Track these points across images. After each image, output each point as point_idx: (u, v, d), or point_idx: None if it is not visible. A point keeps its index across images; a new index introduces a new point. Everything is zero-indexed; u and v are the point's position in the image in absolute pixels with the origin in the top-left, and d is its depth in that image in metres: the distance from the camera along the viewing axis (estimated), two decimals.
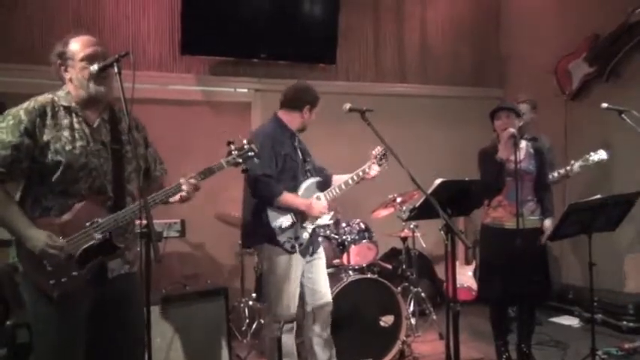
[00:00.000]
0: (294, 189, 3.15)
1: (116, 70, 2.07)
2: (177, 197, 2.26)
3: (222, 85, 5.30)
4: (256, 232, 3.15)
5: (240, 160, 2.35)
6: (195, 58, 5.13)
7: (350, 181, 3.28)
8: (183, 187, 2.22)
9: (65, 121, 2.12)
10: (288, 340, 3.13)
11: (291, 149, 3.21)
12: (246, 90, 5.38)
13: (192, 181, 2.24)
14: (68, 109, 2.14)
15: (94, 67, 2.11)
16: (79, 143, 2.11)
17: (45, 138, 2.06)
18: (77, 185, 2.10)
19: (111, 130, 2.23)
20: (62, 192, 2.09)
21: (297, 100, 3.24)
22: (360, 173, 3.30)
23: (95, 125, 2.19)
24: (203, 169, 2.28)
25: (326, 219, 3.29)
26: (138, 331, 2.20)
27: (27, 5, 4.57)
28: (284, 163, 3.13)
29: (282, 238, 3.07)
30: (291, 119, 3.25)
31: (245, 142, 2.38)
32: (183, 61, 5.12)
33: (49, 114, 2.10)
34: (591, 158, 4.18)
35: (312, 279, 3.24)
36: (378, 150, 3.35)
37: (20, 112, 2.06)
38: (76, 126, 2.13)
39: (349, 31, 5.67)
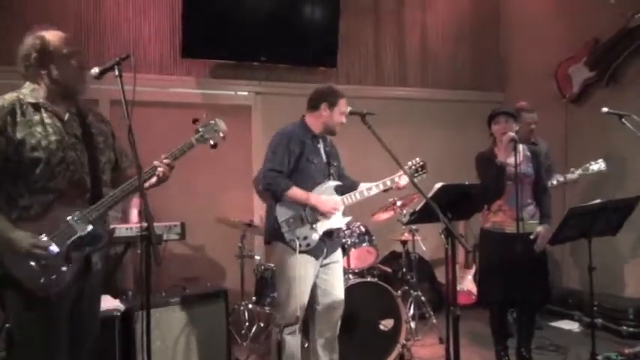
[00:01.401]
0: (309, 190, 3.13)
1: (117, 72, 2.09)
2: (153, 180, 2.28)
3: (223, 88, 5.31)
4: (270, 228, 3.18)
5: (208, 136, 2.39)
6: (195, 61, 5.14)
7: (374, 189, 3.23)
8: (159, 168, 2.24)
9: (36, 117, 2.10)
10: (292, 341, 3.12)
11: (310, 150, 3.18)
12: (246, 93, 5.39)
13: (166, 161, 2.26)
14: (36, 106, 2.12)
15: (95, 70, 2.11)
16: (53, 137, 2.10)
17: (18, 136, 2.03)
18: (56, 180, 2.09)
19: (80, 123, 2.24)
20: (41, 189, 2.06)
21: (315, 100, 3.24)
22: (388, 182, 3.23)
23: (66, 119, 2.18)
24: (174, 150, 2.31)
25: (340, 222, 3.25)
26: (94, 326, 2.32)
27: (27, 9, 4.58)
28: (297, 162, 3.12)
29: (288, 236, 3.07)
30: (313, 120, 3.24)
31: (209, 119, 2.43)
32: (183, 64, 5.13)
33: (19, 112, 2.07)
34: (591, 167, 4.23)
35: (327, 281, 3.24)
36: (415, 161, 3.30)
37: None
38: (48, 121, 2.12)
39: (350, 35, 5.67)
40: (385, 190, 3.28)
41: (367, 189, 3.24)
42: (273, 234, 3.14)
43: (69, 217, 2.09)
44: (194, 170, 4.85)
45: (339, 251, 3.37)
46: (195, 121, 2.42)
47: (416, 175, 3.28)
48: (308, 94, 3.30)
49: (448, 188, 2.70)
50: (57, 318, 2.10)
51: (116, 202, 2.19)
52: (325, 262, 3.24)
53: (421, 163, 3.32)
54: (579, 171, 4.25)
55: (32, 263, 2.00)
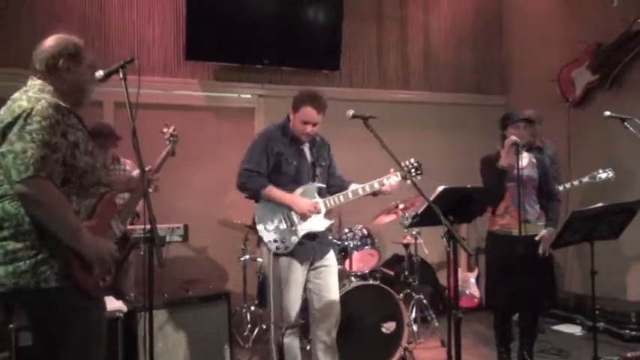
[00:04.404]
0: (289, 191, 3.08)
1: (121, 75, 2.10)
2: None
3: (226, 90, 5.33)
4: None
5: (175, 146, 2.83)
6: (199, 63, 5.16)
7: (360, 191, 3.13)
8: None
9: (73, 121, 2.03)
10: (293, 344, 3.12)
11: (290, 151, 3.11)
12: (249, 96, 5.41)
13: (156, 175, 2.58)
14: (69, 110, 2.03)
15: (100, 73, 2.11)
16: (91, 143, 2.09)
17: (71, 139, 1.96)
18: (98, 185, 2.09)
19: None
20: (85, 193, 2.04)
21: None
22: (376, 185, 3.11)
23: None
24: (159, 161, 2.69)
25: (322, 225, 3.14)
26: None
27: (33, 11, 4.61)
28: (277, 163, 3.08)
29: (267, 238, 3.04)
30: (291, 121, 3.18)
31: (171, 129, 2.86)
32: (187, 66, 5.15)
33: (65, 114, 1.99)
34: (598, 176, 4.23)
35: (320, 285, 3.18)
36: (409, 161, 3.12)
37: (49, 110, 1.89)
38: (80, 127, 2.07)
39: (353, 38, 5.69)
40: (374, 194, 3.16)
41: (352, 191, 3.14)
42: (259, 237, 3.12)
43: (112, 221, 2.13)
44: (197, 172, 4.87)
45: (332, 254, 3.28)
46: (163, 132, 2.84)
47: (407, 176, 3.09)
48: None
49: (450, 191, 2.70)
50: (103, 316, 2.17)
51: (136, 204, 2.28)
52: (316, 265, 3.18)
53: (415, 164, 3.14)
54: (586, 179, 4.26)
55: (95, 267, 2.00)
